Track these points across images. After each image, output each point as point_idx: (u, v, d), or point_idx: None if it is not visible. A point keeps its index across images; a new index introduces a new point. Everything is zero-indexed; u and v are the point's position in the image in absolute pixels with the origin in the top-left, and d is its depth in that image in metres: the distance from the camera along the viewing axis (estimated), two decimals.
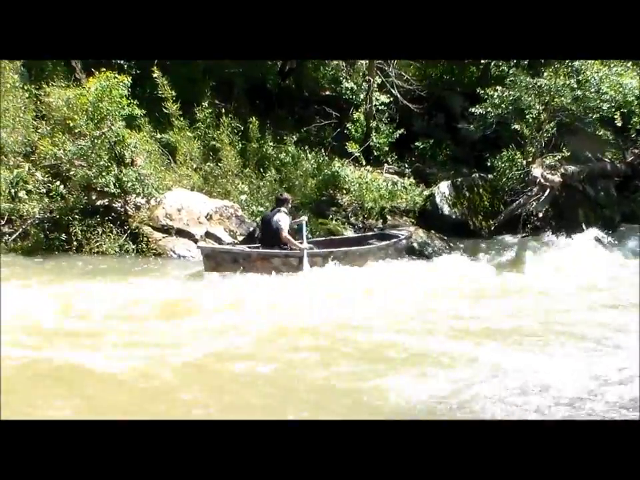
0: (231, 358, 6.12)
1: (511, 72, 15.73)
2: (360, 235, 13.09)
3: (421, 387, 5.22)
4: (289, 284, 9.59)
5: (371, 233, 13.13)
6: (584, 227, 13.31)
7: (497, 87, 14.65)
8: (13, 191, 12.27)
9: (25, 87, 13.36)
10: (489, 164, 14.68)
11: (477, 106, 14.68)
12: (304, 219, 11.39)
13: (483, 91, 14.58)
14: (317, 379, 5.55)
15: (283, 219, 10.65)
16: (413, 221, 14.30)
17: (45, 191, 12.33)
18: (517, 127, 14.43)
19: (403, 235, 12.39)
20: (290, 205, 11.31)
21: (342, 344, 6.51)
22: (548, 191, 14.00)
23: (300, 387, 5.41)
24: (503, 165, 14.37)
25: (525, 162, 14.35)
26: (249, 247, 10.99)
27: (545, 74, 14.20)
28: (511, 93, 14.27)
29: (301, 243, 10.66)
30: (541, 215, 14.21)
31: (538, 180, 13.97)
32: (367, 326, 7.14)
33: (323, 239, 12.40)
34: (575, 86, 14.01)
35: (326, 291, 9.12)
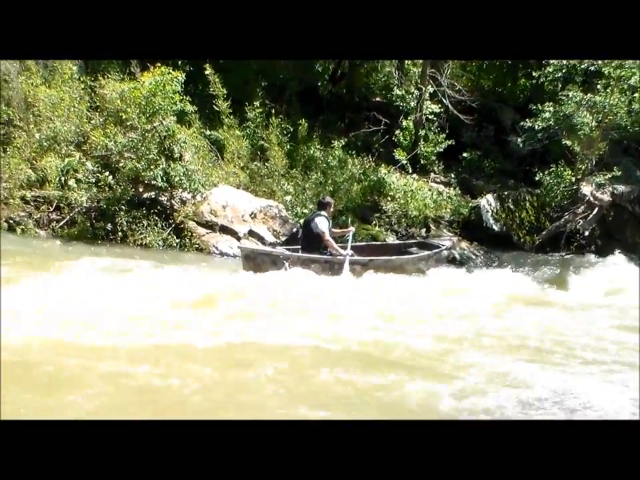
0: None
1: (564, 87, 15.55)
2: (400, 242, 12.88)
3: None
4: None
5: (411, 241, 12.90)
6: (631, 247, 13.11)
7: (550, 102, 14.50)
8: (63, 179, 12.52)
9: (81, 79, 13.65)
10: (536, 178, 14.51)
11: (528, 120, 14.55)
12: (351, 229, 11.28)
13: (535, 107, 14.43)
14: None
15: (322, 222, 10.48)
16: (456, 231, 14.21)
17: (94, 180, 12.54)
18: (567, 142, 14.25)
19: (444, 245, 12.10)
20: (332, 209, 11.19)
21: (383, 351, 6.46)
22: (596, 209, 13.80)
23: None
24: (551, 181, 14.20)
25: (574, 179, 14.17)
26: (289, 249, 10.94)
27: (600, 90, 14.02)
28: (563, 108, 14.10)
29: (344, 249, 10.61)
30: (587, 233, 14.00)
31: (587, 198, 13.79)
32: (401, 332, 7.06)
33: (362, 244, 12.19)
34: (629, 103, 13.81)
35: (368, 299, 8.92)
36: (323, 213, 10.65)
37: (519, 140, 15.81)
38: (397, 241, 13.21)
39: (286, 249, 11.04)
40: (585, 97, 14.02)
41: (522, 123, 14.84)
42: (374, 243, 12.77)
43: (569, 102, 14.17)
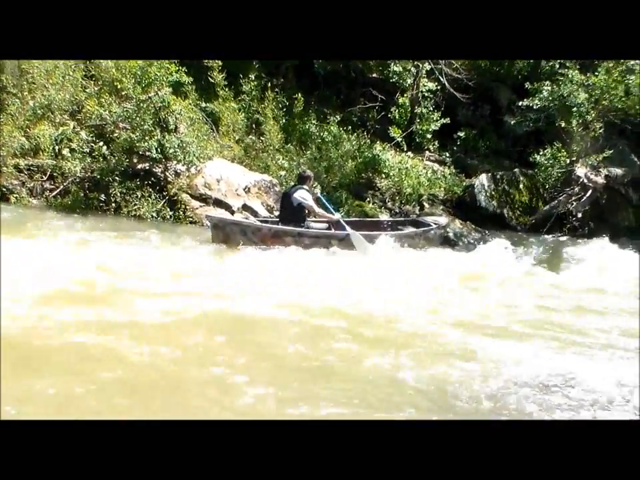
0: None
1: (562, 68, 15.50)
2: (393, 219, 12.80)
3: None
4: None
5: (404, 219, 12.85)
6: (622, 230, 13.15)
7: (547, 82, 14.47)
8: (57, 147, 12.44)
9: None
10: (531, 159, 14.52)
11: (525, 100, 14.53)
12: (316, 192, 11.28)
13: (531, 86, 14.39)
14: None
15: (306, 195, 10.46)
16: (449, 210, 14.22)
17: (88, 150, 12.46)
18: (563, 124, 14.24)
19: (436, 224, 12.00)
20: (312, 183, 11.15)
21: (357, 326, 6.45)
22: (590, 191, 13.84)
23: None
24: (545, 162, 14.21)
25: (568, 160, 14.18)
26: (262, 221, 10.79)
27: (598, 72, 13.99)
28: (560, 88, 14.07)
29: (332, 214, 10.57)
30: (580, 215, 14.04)
31: (581, 180, 13.82)
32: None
33: (354, 219, 12.09)
34: (626, 85, 13.79)
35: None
36: (304, 186, 10.60)
37: (515, 120, 15.77)
38: (390, 218, 13.10)
39: (260, 220, 10.89)
40: (583, 77, 13.99)
41: (519, 103, 14.81)
42: (365, 219, 12.68)
43: (566, 82, 14.15)
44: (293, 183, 13.29)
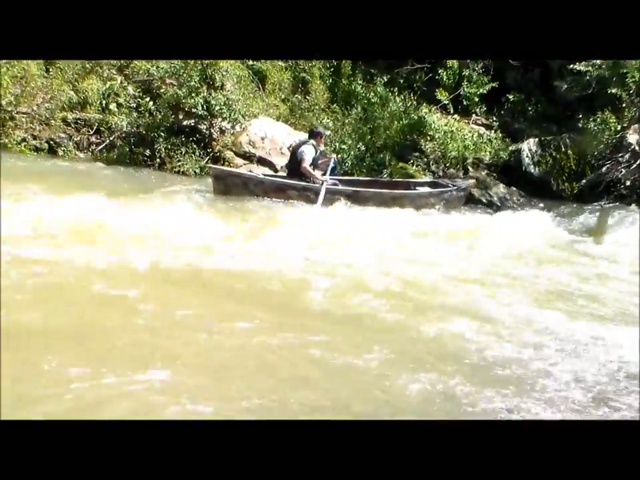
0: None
1: None
2: (412, 180, 12.46)
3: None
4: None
5: (423, 180, 12.58)
6: None
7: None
8: (104, 102, 12.57)
9: None
10: (580, 125, 14.22)
11: (577, 64, 14.17)
12: (333, 156, 11.12)
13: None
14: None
15: (307, 150, 10.34)
16: (494, 175, 14.03)
17: (134, 105, 12.59)
18: (614, 90, 13.88)
19: (455, 185, 11.80)
20: (322, 141, 10.98)
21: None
22: None
23: None
24: (595, 128, 13.88)
25: (619, 127, 13.85)
26: (267, 175, 10.70)
27: None
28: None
29: (323, 175, 10.43)
30: (628, 183, 13.73)
31: (632, 147, 13.50)
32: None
33: (368, 178, 11.94)
34: None
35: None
36: (311, 141, 10.48)
37: (565, 85, 15.40)
38: (408, 179, 12.66)
39: (264, 174, 10.78)
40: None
41: (570, 67, 14.44)
42: (384, 179, 12.46)
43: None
44: (337, 144, 13.29)
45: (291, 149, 11.26)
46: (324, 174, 10.47)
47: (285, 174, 11.04)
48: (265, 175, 10.73)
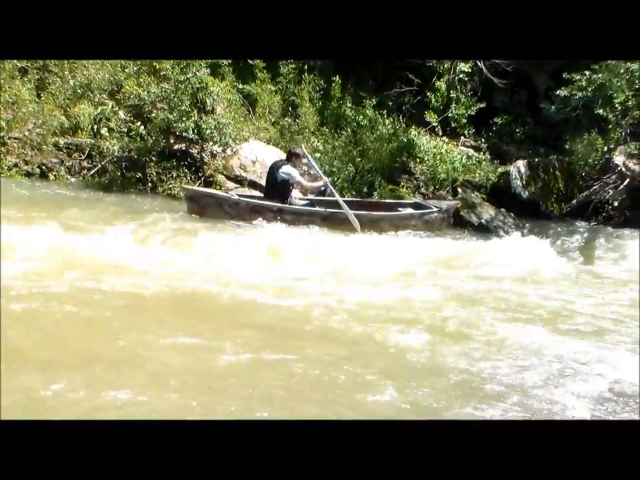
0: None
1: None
2: (394, 201, 12.42)
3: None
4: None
5: (406, 201, 12.54)
6: None
7: (585, 72, 14.24)
8: (95, 127, 12.62)
9: None
10: (567, 146, 14.35)
11: (563, 88, 14.32)
12: (325, 179, 11.02)
13: (569, 76, 14.17)
14: None
15: (290, 171, 10.33)
16: (483, 197, 14.11)
17: (125, 130, 12.64)
18: (601, 111, 14.03)
19: (437, 207, 11.71)
20: (302, 162, 10.95)
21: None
22: (627, 180, 13.65)
23: None
24: (582, 149, 14.02)
25: (606, 148, 14.00)
26: (242, 196, 10.61)
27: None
28: (600, 76, 13.85)
29: (319, 179, 10.61)
30: (616, 203, 13.84)
31: (619, 168, 13.63)
32: None
33: (352, 199, 11.83)
34: None
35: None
36: (290, 164, 10.49)
37: (553, 107, 15.53)
38: (391, 200, 12.63)
39: (239, 195, 10.70)
40: (624, 64, 13.75)
41: (557, 92, 14.57)
42: (365, 199, 12.42)
43: (606, 69, 13.92)
44: (327, 166, 13.36)
45: (268, 168, 11.20)
46: (318, 176, 10.69)
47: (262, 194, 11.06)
48: (239, 195, 10.68)
